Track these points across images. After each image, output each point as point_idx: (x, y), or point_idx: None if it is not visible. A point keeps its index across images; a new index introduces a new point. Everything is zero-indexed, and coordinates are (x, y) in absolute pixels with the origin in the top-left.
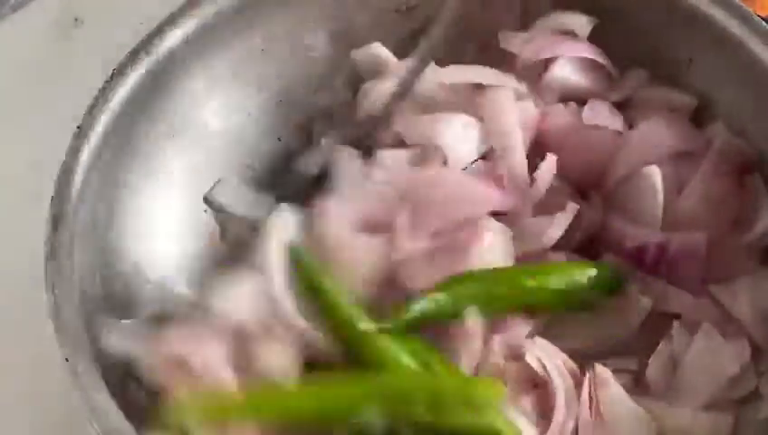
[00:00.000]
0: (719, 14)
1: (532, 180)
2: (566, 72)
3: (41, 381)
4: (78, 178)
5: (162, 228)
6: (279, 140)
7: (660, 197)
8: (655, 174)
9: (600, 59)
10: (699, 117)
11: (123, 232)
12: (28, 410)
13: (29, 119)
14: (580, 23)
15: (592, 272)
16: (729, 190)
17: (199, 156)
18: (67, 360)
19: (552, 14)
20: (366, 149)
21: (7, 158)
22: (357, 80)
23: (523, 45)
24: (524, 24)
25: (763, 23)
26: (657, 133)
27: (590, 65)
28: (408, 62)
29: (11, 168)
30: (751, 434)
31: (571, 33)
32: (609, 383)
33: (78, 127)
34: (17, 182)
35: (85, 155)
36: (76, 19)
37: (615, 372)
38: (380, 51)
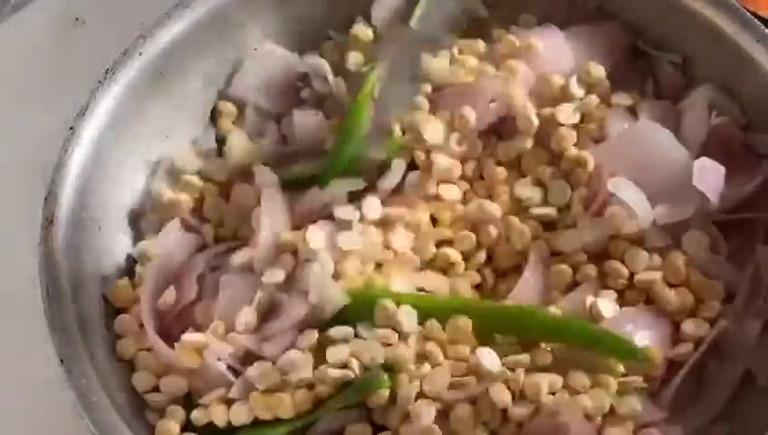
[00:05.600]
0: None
1: None
2: None
3: (36, 379)
4: (71, 177)
5: None
6: None
7: None
8: None
9: None
10: None
11: (118, 230)
12: (25, 410)
13: (29, 119)
14: None
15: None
16: None
17: None
18: (62, 361)
19: None
20: None
21: (7, 157)
22: None
23: None
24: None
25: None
26: None
27: None
28: None
29: (11, 167)
30: None
31: None
32: None
33: (70, 128)
34: (17, 182)
35: (78, 154)
36: (77, 19)
37: None
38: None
